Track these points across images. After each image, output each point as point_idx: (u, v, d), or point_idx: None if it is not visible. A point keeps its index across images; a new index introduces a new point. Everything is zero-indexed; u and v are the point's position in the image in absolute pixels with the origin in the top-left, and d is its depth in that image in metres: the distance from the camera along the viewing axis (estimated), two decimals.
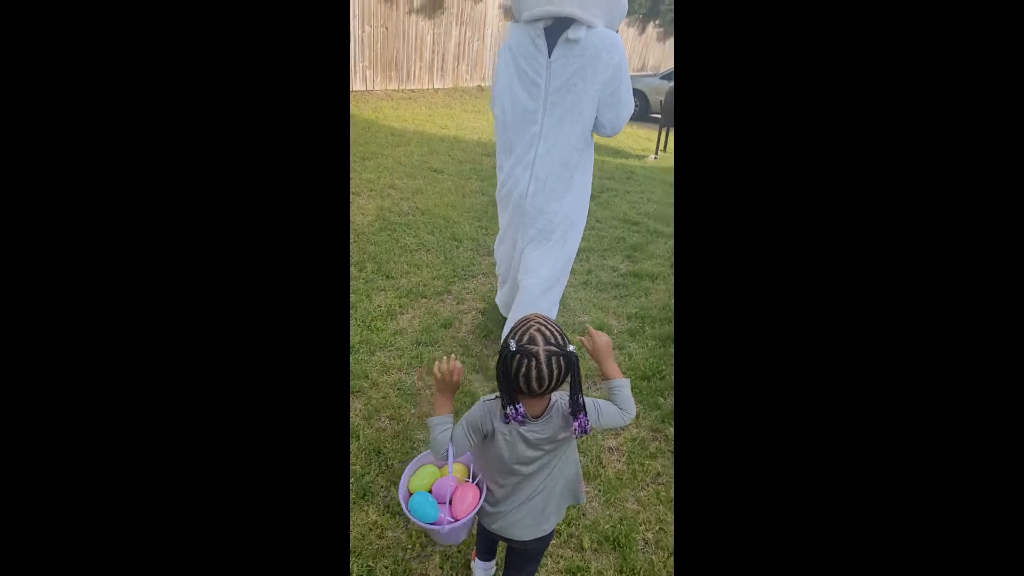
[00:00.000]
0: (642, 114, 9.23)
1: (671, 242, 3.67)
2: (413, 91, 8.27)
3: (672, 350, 2.33)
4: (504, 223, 1.98)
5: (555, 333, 0.93)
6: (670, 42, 17.77)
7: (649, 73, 10.73)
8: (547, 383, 0.91)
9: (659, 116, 8.41)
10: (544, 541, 1.11)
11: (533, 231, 1.84)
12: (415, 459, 1.16)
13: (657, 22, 15.59)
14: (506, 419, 0.93)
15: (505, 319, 2.32)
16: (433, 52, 8.47)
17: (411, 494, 1.08)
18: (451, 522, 1.03)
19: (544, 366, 0.90)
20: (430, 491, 1.08)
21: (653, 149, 6.70)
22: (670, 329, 2.52)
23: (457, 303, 2.64)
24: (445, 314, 2.51)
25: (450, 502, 1.06)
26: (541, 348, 0.91)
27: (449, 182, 4.44)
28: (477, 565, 1.29)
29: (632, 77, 9.59)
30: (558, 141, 1.66)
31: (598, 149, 6.16)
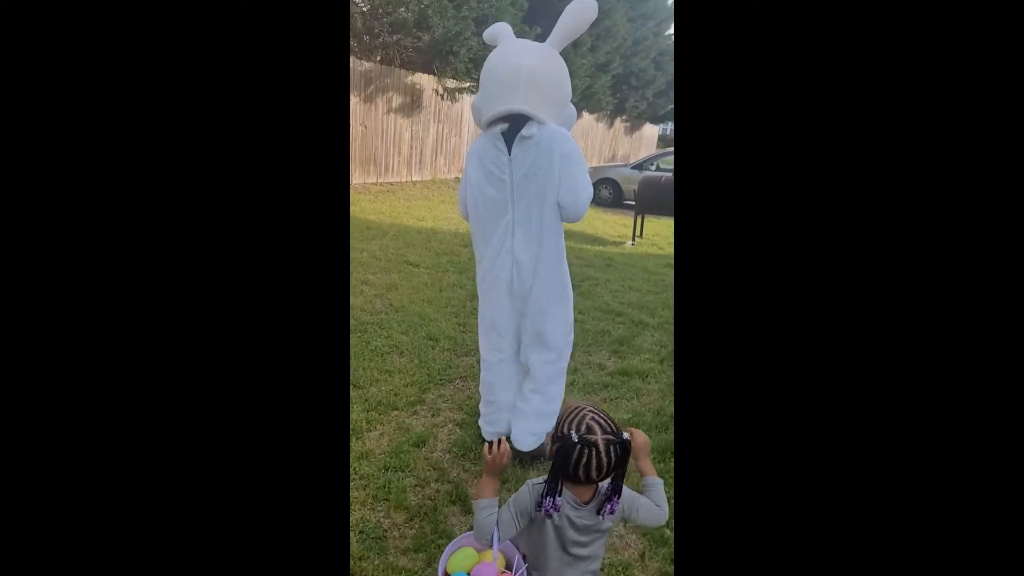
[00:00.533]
0: (616, 201, 9.50)
1: (658, 334, 3.52)
2: (391, 184, 8.40)
3: (673, 465, 2.08)
4: (488, 310, 2.03)
5: (609, 421, 0.97)
6: (637, 134, 18.87)
7: (620, 164, 11.23)
8: (605, 471, 0.94)
9: (633, 203, 8.67)
10: None
11: (526, 306, 1.95)
12: (455, 540, 1.15)
13: (624, 117, 16.62)
14: (539, 508, 0.95)
15: (484, 440, 2.11)
16: (411, 147, 8.72)
17: (448, 575, 1.08)
18: None
19: (603, 455, 0.93)
20: (468, 574, 1.07)
21: (630, 235, 6.77)
22: (669, 438, 2.28)
23: (431, 415, 2.39)
24: (418, 429, 2.24)
25: None
26: (600, 437, 0.94)
27: (425, 276, 4.31)
28: None
29: (603, 167, 10.06)
30: (530, 226, 1.84)
31: (576, 237, 6.20)
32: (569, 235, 5.05)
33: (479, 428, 2.18)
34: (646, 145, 20.27)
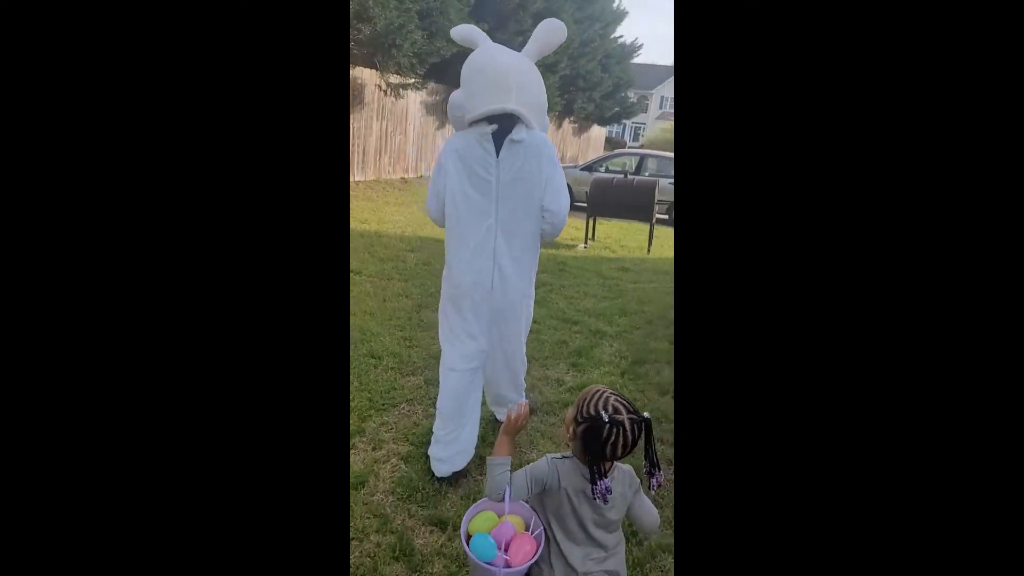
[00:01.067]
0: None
1: (617, 344, 3.35)
2: None
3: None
4: (459, 317, 1.92)
5: (627, 402, 1.03)
6: (585, 136, 18.99)
7: (570, 165, 11.16)
8: (629, 448, 1.00)
9: (584, 205, 8.57)
10: None
11: (502, 314, 1.91)
12: (473, 505, 1.20)
13: (572, 118, 16.66)
14: (595, 496, 1.00)
15: (438, 476, 1.88)
16: (353, 145, 8.27)
17: (471, 536, 1.11)
18: (507, 565, 1.05)
19: (629, 433, 0.99)
20: (489, 534, 1.11)
21: (582, 238, 6.64)
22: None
23: (372, 448, 2.09)
24: (356, 467, 1.95)
25: (506, 548, 1.08)
26: (625, 416, 0.99)
27: (367, 284, 3.97)
28: None
29: (566, 168, 9.97)
30: (514, 232, 1.82)
31: None
32: None
33: (427, 461, 1.92)
34: (594, 147, 20.45)
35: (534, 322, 3.52)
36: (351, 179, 8.38)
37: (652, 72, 36.33)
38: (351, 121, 8.05)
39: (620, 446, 0.99)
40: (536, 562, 1.07)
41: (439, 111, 10.24)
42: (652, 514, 1.13)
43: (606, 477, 1.01)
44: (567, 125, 16.80)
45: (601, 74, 15.26)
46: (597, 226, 6.83)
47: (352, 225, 5.86)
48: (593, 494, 1.00)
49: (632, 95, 19.53)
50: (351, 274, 4.14)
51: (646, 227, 6.86)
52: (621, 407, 1.00)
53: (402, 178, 9.56)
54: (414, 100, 9.46)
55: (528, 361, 2.92)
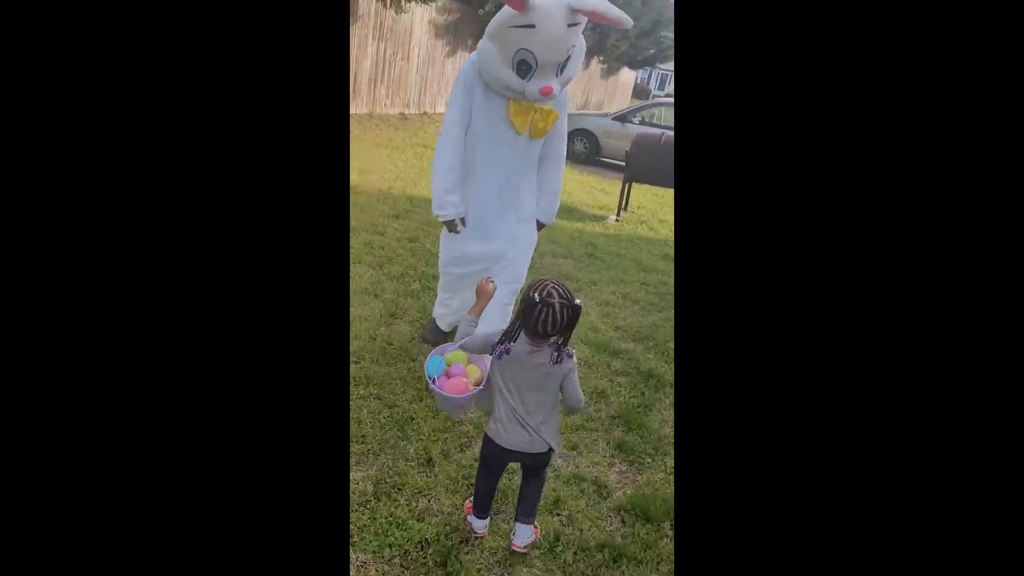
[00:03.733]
0: (591, 157, 8.01)
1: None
2: None
3: None
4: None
5: (565, 291, 1.24)
6: (613, 79, 17.10)
7: (598, 112, 9.63)
8: (558, 327, 1.23)
9: (607, 160, 7.19)
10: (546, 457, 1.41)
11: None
12: (449, 343, 1.50)
13: (601, 58, 14.81)
14: (495, 352, 1.29)
15: None
16: None
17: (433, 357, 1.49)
18: (437, 386, 1.42)
19: (558, 314, 1.21)
20: (448, 364, 1.49)
21: (614, 208, 5.38)
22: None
23: None
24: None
25: (448, 377, 1.46)
26: (557, 300, 1.21)
27: None
28: (474, 520, 1.46)
29: (578, 115, 8.36)
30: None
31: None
32: None
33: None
34: (621, 92, 18.55)
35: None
36: None
37: None
38: None
39: (549, 323, 1.21)
40: (492, 419, 1.37)
41: (451, 34, 8.65)
42: (577, 394, 1.34)
43: (513, 342, 1.28)
44: (595, 65, 14.96)
45: (640, 7, 13.35)
46: (632, 194, 5.54)
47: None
48: (494, 350, 1.29)
49: (670, 36, 17.47)
50: None
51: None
52: (555, 292, 1.22)
53: (401, 113, 8.13)
54: (420, 18, 7.87)
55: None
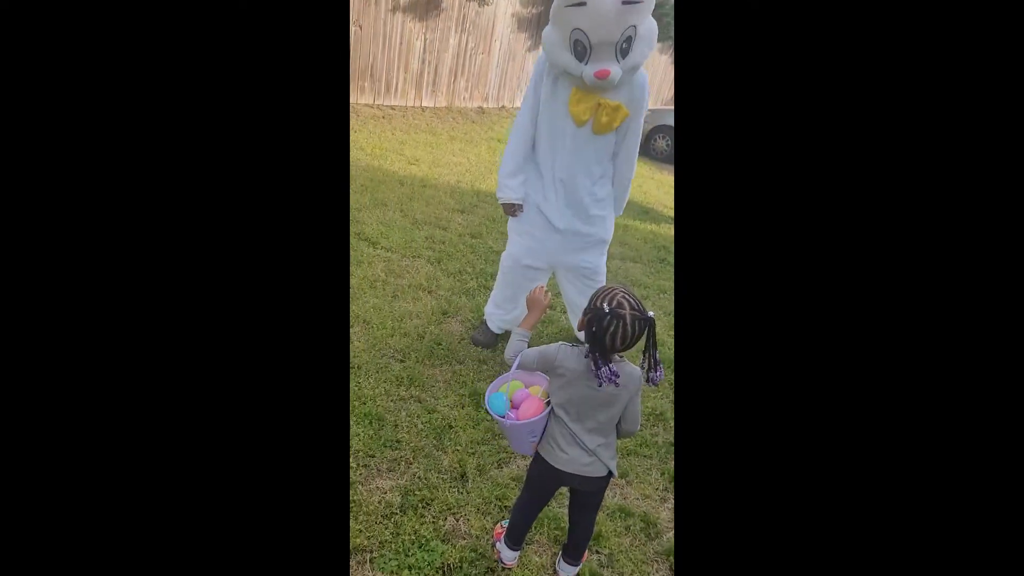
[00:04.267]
0: (672, 156, 7.60)
1: None
2: (392, 108, 6.68)
3: None
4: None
5: (636, 300, 1.09)
6: None
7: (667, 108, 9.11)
8: (629, 341, 1.07)
9: None
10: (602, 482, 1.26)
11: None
12: (502, 376, 1.33)
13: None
14: (598, 381, 1.09)
15: None
16: (423, 63, 6.90)
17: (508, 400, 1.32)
18: (513, 419, 1.23)
19: (629, 327, 1.06)
20: (511, 396, 1.31)
21: None
22: None
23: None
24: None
25: (517, 407, 1.27)
26: (627, 312, 1.06)
27: (381, 266, 2.77)
28: (504, 550, 1.35)
29: (661, 110, 7.97)
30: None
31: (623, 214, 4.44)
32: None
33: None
34: None
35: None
36: (418, 103, 7.09)
37: None
38: (422, 30, 6.65)
39: (619, 337, 1.06)
40: (545, 438, 1.22)
41: (534, 28, 8.53)
42: (636, 418, 1.21)
43: (610, 365, 1.09)
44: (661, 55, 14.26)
45: None
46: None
47: (396, 167, 4.62)
48: (598, 378, 1.08)
49: None
50: (367, 245, 2.95)
51: None
52: (625, 303, 1.07)
53: (479, 107, 8.13)
54: (504, 11, 7.81)
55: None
